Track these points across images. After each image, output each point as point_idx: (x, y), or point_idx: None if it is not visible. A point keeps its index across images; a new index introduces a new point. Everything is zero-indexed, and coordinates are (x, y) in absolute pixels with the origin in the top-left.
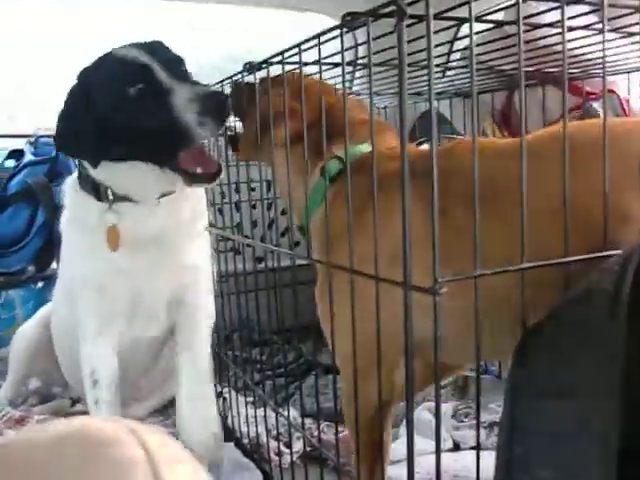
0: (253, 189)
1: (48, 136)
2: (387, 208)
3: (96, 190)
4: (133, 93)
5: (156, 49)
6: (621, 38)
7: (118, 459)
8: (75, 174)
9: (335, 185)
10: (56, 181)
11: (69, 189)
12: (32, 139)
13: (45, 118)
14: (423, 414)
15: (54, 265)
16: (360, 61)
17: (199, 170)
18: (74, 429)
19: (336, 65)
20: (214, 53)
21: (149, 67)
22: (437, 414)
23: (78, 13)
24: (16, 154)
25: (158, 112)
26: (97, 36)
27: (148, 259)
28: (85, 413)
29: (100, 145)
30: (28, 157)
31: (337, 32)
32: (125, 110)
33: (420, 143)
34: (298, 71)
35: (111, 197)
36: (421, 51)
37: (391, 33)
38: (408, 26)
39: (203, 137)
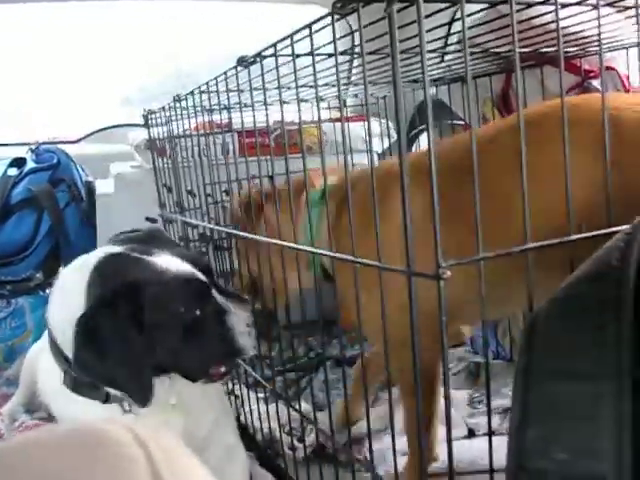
0: None
1: (49, 143)
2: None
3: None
4: (198, 315)
5: (184, 253)
6: (617, 13)
7: (118, 458)
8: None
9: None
10: (59, 187)
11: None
12: (33, 146)
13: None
14: None
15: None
16: (357, 50)
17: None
18: (73, 430)
19: (330, 55)
20: (210, 52)
21: (208, 288)
22: (447, 401)
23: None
24: (18, 162)
25: (218, 334)
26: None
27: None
28: None
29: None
30: (30, 165)
31: (329, 20)
32: (185, 331)
33: (420, 132)
34: None
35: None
36: (416, 36)
37: (383, 19)
38: (400, 10)
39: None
